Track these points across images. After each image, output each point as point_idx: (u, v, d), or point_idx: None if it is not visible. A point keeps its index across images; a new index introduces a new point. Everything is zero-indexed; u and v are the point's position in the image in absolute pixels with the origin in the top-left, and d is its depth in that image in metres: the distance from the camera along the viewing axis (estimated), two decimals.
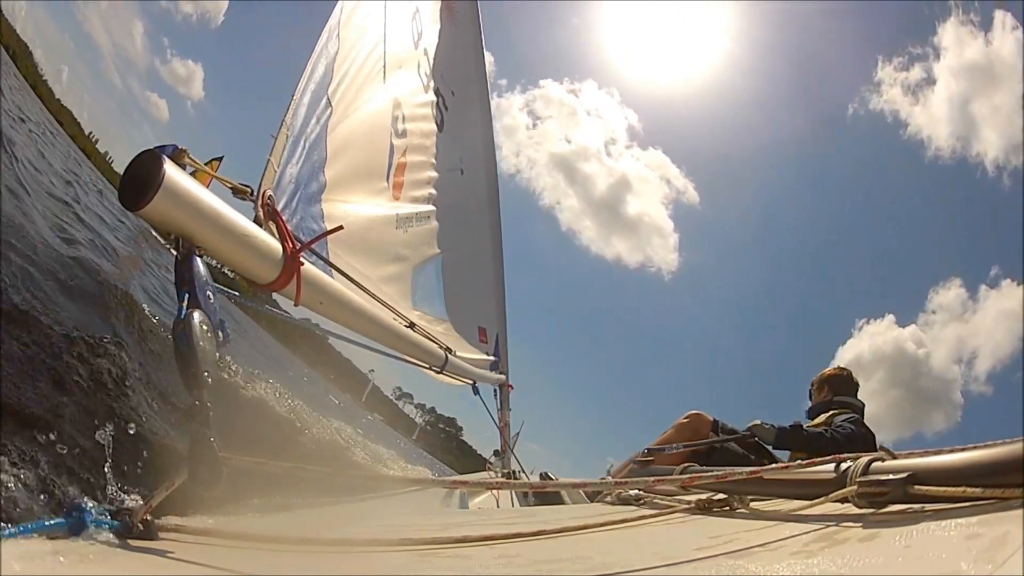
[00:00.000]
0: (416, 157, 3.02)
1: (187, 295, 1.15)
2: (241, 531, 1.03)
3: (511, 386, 5.09)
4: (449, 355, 3.11)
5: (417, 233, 3.02)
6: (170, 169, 1.15)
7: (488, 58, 5.80)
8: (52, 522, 0.80)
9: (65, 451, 1.87)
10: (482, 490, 3.27)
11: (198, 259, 1.23)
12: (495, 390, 4.95)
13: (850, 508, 0.99)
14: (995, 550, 0.63)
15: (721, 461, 2.61)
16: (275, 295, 1.64)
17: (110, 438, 2.04)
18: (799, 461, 1.30)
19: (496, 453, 4.96)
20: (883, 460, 1.02)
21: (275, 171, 1.69)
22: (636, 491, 1.62)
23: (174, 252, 1.24)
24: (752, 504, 1.28)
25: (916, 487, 0.89)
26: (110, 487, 1.88)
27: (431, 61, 3.38)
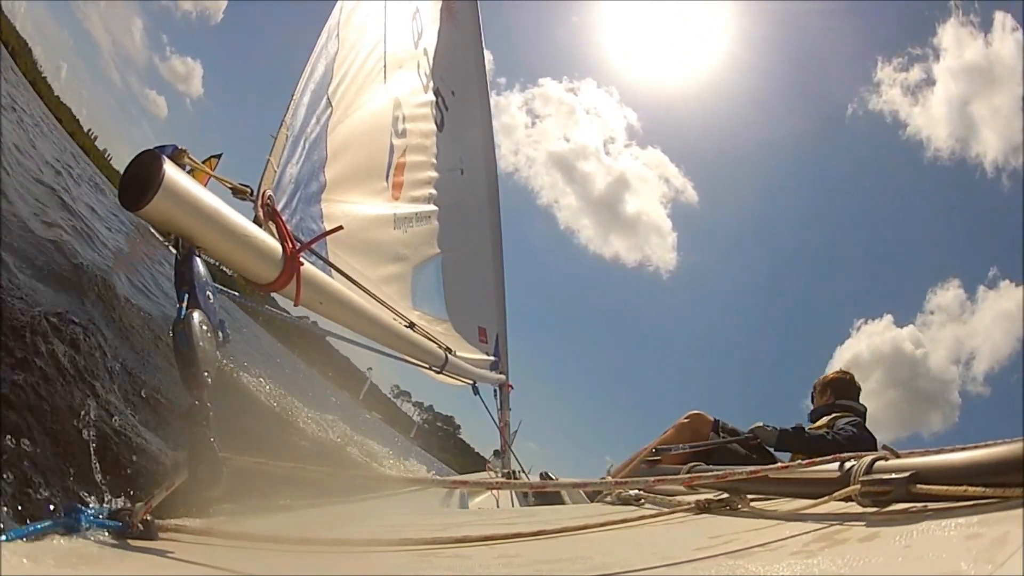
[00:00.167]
0: (416, 157, 3.02)
1: (187, 295, 1.15)
2: (241, 531, 1.03)
3: (511, 386, 5.09)
4: (449, 355, 3.11)
5: (417, 233, 3.02)
6: (170, 169, 1.15)
7: (487, 56, 5.80)
8: (50, 523, 0.80)
9: (14, 445, 1.83)
10: (482, 490, 3.27)
11: (198, 259, 1.23)
12: (495, 390, 4.95)
13: (852, 507, 1.00)
14: (995, 550, 0.63)
15: (722, 462, 2.61)
16: (275, 295, 1.64)
17: (75, 430, 2.00)
18: (801, 461, 1.30)
19: (496, 453, 4.95)
20: (886, 459, 1.02)
21: (275, 171, 1.69)
22: (636, 491, 1.62)
23: (173, 249, 1.24)
24: (753, 504, 1.28)
25: (919, 486, 0.89)
26: (71, 482, 1.85)
27: (431, 61, 3.38)
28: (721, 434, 2.88)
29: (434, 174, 3.31)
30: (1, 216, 3.99)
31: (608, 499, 1.77)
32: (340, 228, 1.87)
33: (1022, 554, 0.59)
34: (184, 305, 1.12)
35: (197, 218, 1.23)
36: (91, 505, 0.87)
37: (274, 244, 1.52)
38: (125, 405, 2.70)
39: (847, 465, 1.09)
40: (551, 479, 3.71)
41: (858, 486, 0.97)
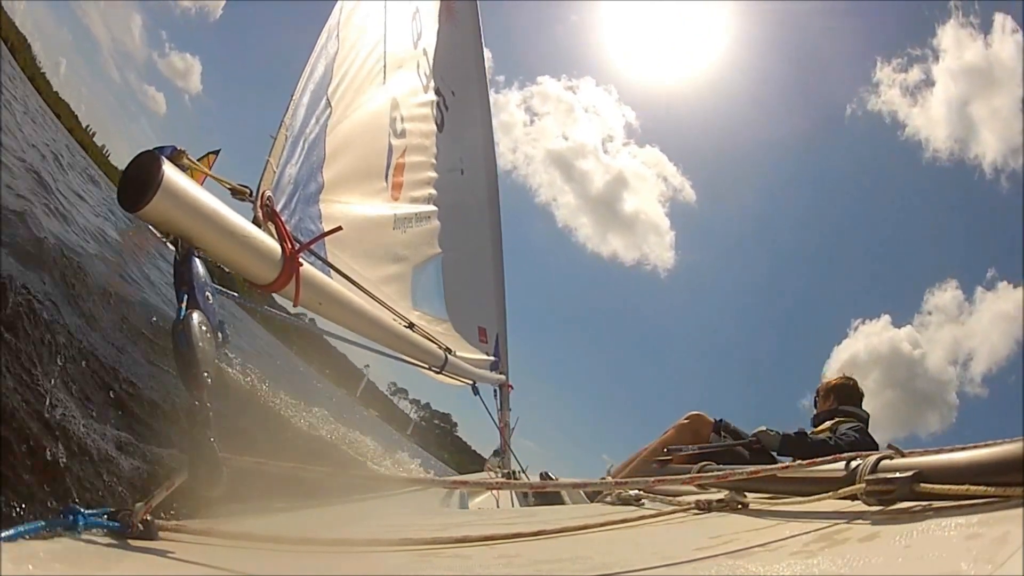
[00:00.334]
0: (415, 157, 3.02)
1: (186, 295, 1.15)
2: (241, 531, 1.02)
3: (511, 386, 5.09)
4: (449, 355, 3.10)
5: (417, 233, 3.02)
6: (169, 170, 1.15)
7: (486, 54, 5.79)
8: (48, 521, 0.80)
9: None
10: (482, 490, 3.27)
11: (197, 260, 1.23)
12: (495, 390, 4.94)
13: (852, 507, 1.00)
14: (995, 550, 0.63)
15: (725, 463, 2.62)
16: (274, 295, 1.63)
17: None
18: (807, 461, 1.31)
19: (496, 452, 4.95)
20: (891, 458, 1.02)
21: (274, 171, 1.69)
22: (636, 491, 1.62)
23: (172, 246, 1.24)
24: (753, 504, 1.28)
25: (922, 485, 0.89)
26: None
27: (431, 61, 3.38)
28: (723, 434, 2.89)
29: (434, 174, 3.31)
30: (1, 217, 3.96)
31: (608, 499, 1.77)
32: (339, 228, 1.87)
33: (1022, 554, 0.59)
34: (183, 306, 1.12)
35: (196, 219, 1.23)
36: (90, 508, 0.86)
37: (273, 245, 1.52)
38: (67, 391, 2.52)
39: (853, 464, 1.09)
40: (551, 479, 3.71)
41: (863, 485, 0.97)
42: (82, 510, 0.83)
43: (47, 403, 2.24)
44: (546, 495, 2.91)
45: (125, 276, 5.69)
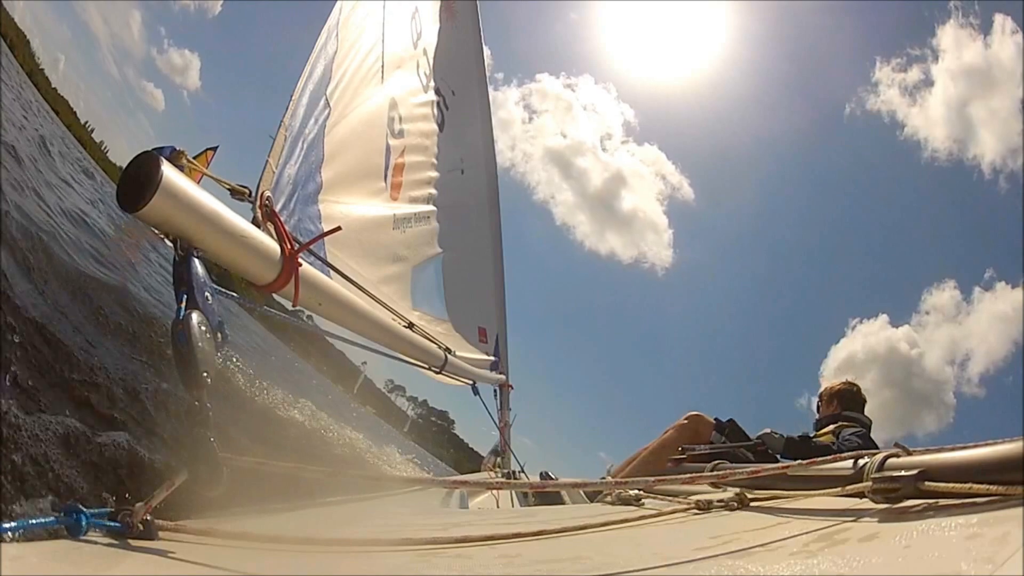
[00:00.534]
0: (415, 157, 3.01)
1: (185, 295, 1.15)
2: (241, 531, 1.02)
3: (511, 386, 5.09)
4: (448, 355, 3.10)
5: (416, 233, 3.02)
6: (168, 170, 1.15)
7: (485, 52, 5.79)
8: (47, 520, 0.80)
9: None
10: (482, 490, 3.27)
11: (196, 260, 1.23)
12: (495, 390, 4.94)
13: (859, 504, 1.00)
14: (995, 550, 0.63)
15: (730, 463, 2.64)
16: (274, 295, 1.64)
17: None
18: (816, 460, 1.31)
19: (494, 451, 4.95)
20: (899, 456, 1.03)
21: (273, 172, 1.69)
22: (636, 491, 1.62)
23: (170, 243, 1.24)
24: (755, 503, 1.28)
25: (927, 483, 0.89)
26: None
27: (431, 61, 3.38)
28: (727, 433, 2.90)
29: (434, 174, 3.31)
30: (1, 216, 3.94)
31: (608, 499, 1.77)
32: (338, 229, 1.87)
33: (1022, 554, 0.59)
34: (183, 305, 1.12)
35: (196, 219, 1.23)
36: (91, 507, 0.86)
37: (272, 245, 1.52)
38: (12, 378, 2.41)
39: (860, 462, 1.10)
40: (551, 479, 3.71)
41: (869, 483, 0.97)
42: (84, 510, 0.83)
43: None
44: (546, 495, 2.91)
45: (105, 263, 5.53)
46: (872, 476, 0.98)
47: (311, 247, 1.73)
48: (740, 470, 1.34)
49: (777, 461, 2.77)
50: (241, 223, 1.40)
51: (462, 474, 6.51)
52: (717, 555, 0.85)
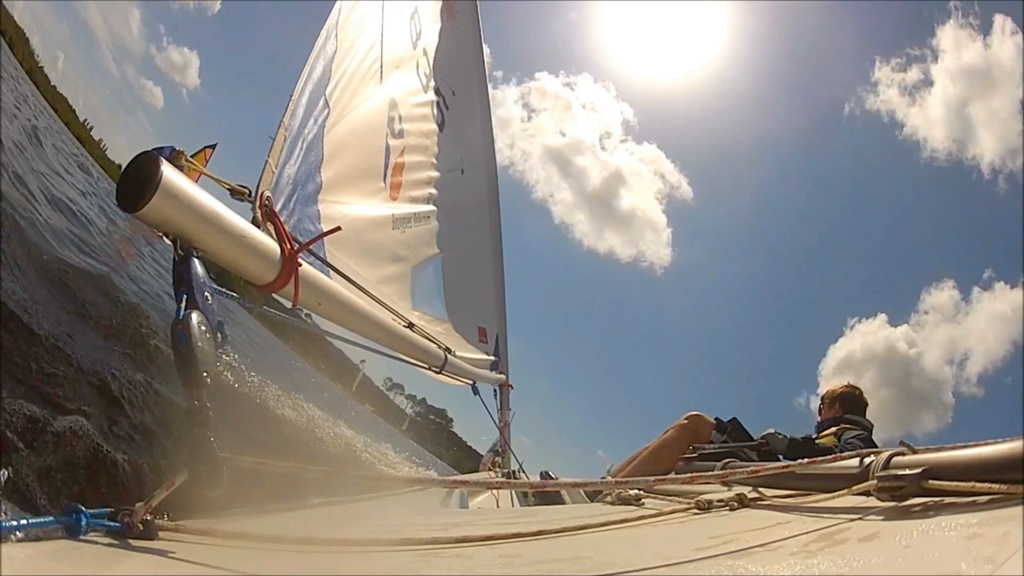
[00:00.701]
0: (415, 157, 3.01)
1: (185, 296, 1.15)
2: (241, 531, 1.02)
3: (511, 386, 5.09)
4: (448, 355, 3.11)
5: (416, 233, 3.02)
6: (167, 171, 1.15)
7: (484, 51, 5.78)
8: (47, 520, 0.80)
9: None
10: (482, 489, 3.27)
11: (196, 260, 1.23)
12: (495, 390, 4.94)
13: (864, 503, 1.00)
14: (995, 550, 0.63)
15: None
16: (274, 295, 1.64)
17: None
18: (821, 459, 1.32)
19: (493, 450, 4.94)
20: (904, 455, 1.03)
21: (273, 172, 1.69)
22: (636, 491, 1.62)
23: (169, 241, 1.24)
24: (756, 503, 1.28)
25: (931, 482, 0.90)
26: None
27: (431, 61, 3.37)
28: (730, 432, 2.90)
29: (434, 174, 3.31)
30: (1, 216, 3.94)
31: (608, 499, 1.77)
32: (338, 229, 1.88)
33: (1022, 554, 0.59)
34: (183, 305, 1.12)
35: (195, 219, 1.23)
36: (90, 507, 0.86)
37: (272, 245, 1.52)
38: None
39: (866, 460, 1.10)
40: (551, 479, 3.71)
41: (874, 481, 0.98)
42: (84, 510, 0.83)
43: None
44: (546, 495, 2.91)
45: (90, 252, 5.48)
46: (877, 474, 0.98)
47: (311, 247, 1.73)
48: (745, 468, 1.35)
49: (779, 461, 2.78)
50: (241, 223, 1.40)
51: (461, 473, 6.51)
52: (717, 555, 0.85)
